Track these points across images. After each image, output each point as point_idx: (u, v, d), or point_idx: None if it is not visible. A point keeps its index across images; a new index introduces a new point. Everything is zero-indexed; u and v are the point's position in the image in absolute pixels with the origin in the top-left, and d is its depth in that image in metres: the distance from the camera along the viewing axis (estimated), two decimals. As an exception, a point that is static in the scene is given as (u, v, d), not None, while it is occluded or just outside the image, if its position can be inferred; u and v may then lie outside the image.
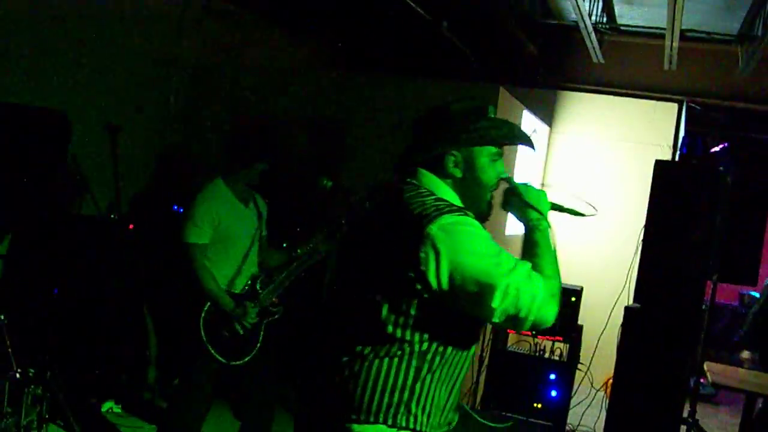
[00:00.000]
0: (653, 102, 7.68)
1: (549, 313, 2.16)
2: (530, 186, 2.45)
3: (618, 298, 5.64)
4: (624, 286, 5.66)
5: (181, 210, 4.56)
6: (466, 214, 2.22)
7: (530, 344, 5.84)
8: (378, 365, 2.21)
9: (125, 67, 5.71)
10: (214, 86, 6.45)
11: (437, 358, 2.22)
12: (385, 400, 2.20)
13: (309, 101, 6.36)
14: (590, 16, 6.71)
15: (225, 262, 4.30)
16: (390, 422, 2.21)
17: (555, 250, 2.33)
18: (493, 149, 2.38)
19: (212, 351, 4.20)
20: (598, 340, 5.82)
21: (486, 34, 7.25)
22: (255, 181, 4.39)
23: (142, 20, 5.79)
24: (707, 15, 7.14)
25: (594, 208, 2.63)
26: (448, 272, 2.11)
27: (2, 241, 4.76)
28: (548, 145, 7.92)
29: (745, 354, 6.26)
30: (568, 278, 6.83)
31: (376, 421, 2.21)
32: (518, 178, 6.75)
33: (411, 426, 2.23)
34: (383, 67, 7.25)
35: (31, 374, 4.23)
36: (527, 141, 2.48)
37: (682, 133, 7.62)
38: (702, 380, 7.85)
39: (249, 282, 4.39)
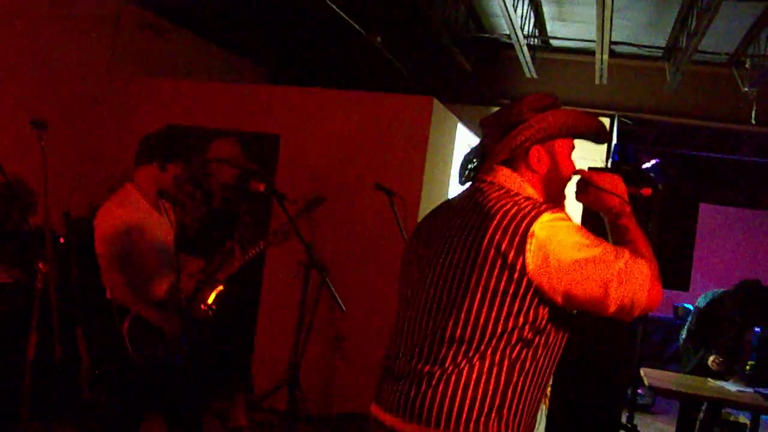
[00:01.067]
0: (585, 117, 7.79)
1: (657, 296, 2.11)
2: (601, 170, 2.37)
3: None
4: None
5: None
6: (558, 210, 2.14)
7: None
8: (468, 371, 2.10)
9: (58, 77, 5.61)
10: (148, 99, 6.36)
11: (526, 359, 2.11)
12: (476, 407, 2.08)
13: (243, 115, 6.32)
14: (523, 31, 6.81)
15: (144, 270, 4.12)
16: (482, 429, 2.08)
17: (644, 234, 2.26)
18: (570, 143, 2.33)
19: (140, 362, 4.07)
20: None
21: (420, 49, 7.32)
22: (168, 187, 4.20)
23: (76, 32, 5.71)
24: (635, 30, 7.32)
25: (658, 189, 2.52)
26: (558, 271, 2.04)
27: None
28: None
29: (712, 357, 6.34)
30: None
31: (468, 429, 2.08)
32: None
33: (501, 430, 2.10)
34: (318, 81, 7.24)
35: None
36: (602, 131, 2.42)
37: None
38: (639, 390, 7.99)
39: (169, 289, 4.26)
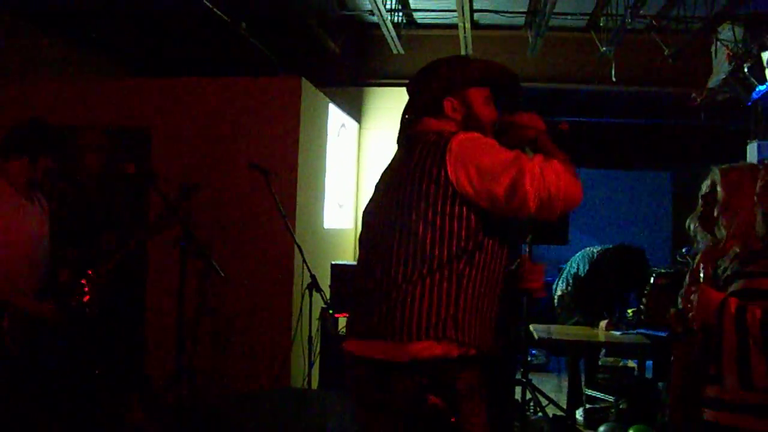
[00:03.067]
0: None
1: (575, 188, 2.35)
2: (521, 113, 2.61)
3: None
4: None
5: None
6: (474, 132, 2.45)
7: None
8: (422, 286, 2.32)
9: None
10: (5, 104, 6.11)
11: (473, 270, 2.36)
12: (434, 316, 2.31)
13: (108, 111, 6.15)
14: (385, 7, 6.88)
15: (21, 264, 3.97)
16: (440, 335, 2.30)
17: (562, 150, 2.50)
18: (485, 92, 2.58)
19: (22, 359, 3.93)
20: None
21: (286, 34, 7.30)
22: (37, 179, 4.05)
23: None
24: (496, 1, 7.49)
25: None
26: (478, 176, 2.31)
27: None
28: (358, 141, 8.04)
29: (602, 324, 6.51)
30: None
31: (426, 337, 2.30)
32: (331, 176, 6.76)
33: (456, 338, 2.31)
34: (183, 71, 7.12)
35: None
36: (512, 77, 2.68)
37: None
38: (533, 351, 8.19)
39: (48, 281, 4.12)
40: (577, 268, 7.00)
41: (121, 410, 5.53)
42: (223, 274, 4.52)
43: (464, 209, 2.35)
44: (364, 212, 2.69)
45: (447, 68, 2.58)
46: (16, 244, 3.94)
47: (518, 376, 5.92)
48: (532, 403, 6.09)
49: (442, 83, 2.55)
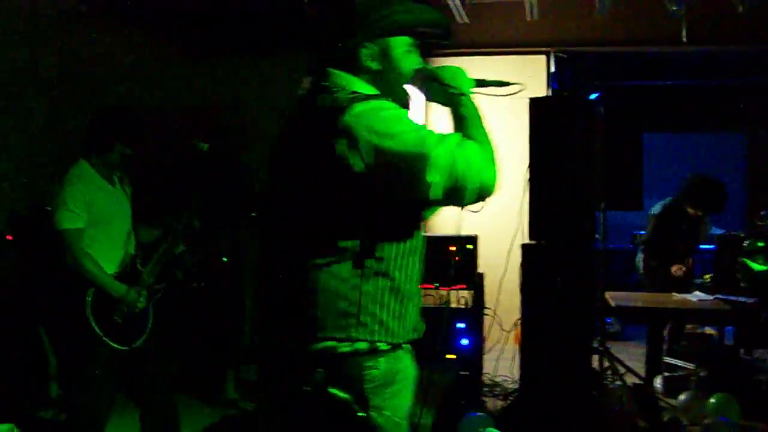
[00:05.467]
0: (522, 56, 7.86)
1: (490, 176, 2.09)
2: (447, 66, 2.34)
3: (513, 240, 5.70)
4: (518, 228, 5.72)
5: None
6: (381, 99, 2.14)
7: (434, 296, 5.84)
8: (317, 278, 2.11)
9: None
10: (76, 90, 6.25)
11: (374, 261, 2.13)
12: (331, 311, 2.11)
13: (176, 90, 6.23)
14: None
15: (106, 245, 4.11)
16: (343, 335, 2.11)
17: (484, 124, 2.24)
18: (408, 39, 2.28)
19: (106, 339, 4.02)
20: (501, 282, 5.85)
21: (350, 4, 7.24)
22: (116, 163, 4.20)
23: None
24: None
25: (520, 85, 2.51)
26: (373, 159, 2.03)
27: None
28: (425, 111, 7.99)
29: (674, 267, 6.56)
30: (463, 229, 6.92)
31: (328, 338, 2.11)
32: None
33: (362, 337, 2.12)
34: (247, 50, 7.11)
35: None
36: (443, 26, 2.38)
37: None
38: (608, 320, 8.10)
39: (129, 263, 4.23)
40: (654, 211, 6.96)
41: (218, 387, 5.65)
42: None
43: (357, 195, 2.07)
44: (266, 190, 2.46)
45: (367, 9, 2.22)
46: (99, 224, 4.07)
47: (595, 345, 5.86)
48: (609, 372, 6.01)
49: (358, 29, 2.20)
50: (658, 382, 6.37)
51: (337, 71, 2.24)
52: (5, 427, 5.16)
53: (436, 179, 2.01)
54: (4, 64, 5.77)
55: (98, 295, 4.01)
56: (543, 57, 7.95)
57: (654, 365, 6.52)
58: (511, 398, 5.89)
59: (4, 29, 5.74)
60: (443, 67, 2.33)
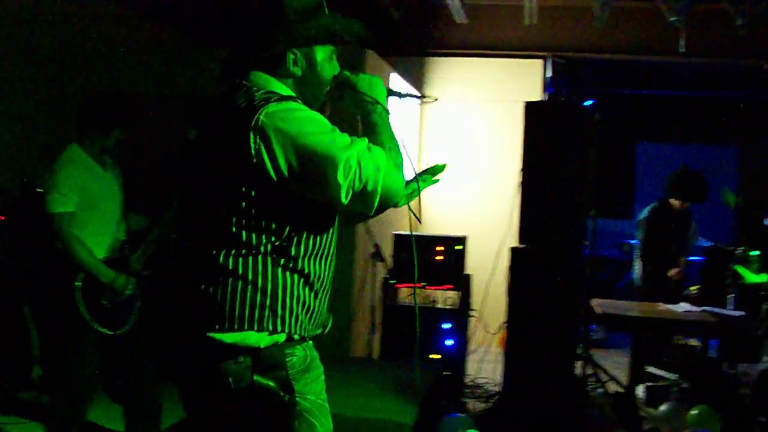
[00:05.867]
0: (518, 60, 7.87)
1: (396, 183, 2.15)
2: (363, 75, 2.38)
3: (503, 243, 5.70)
4: (508, 231, 5.73)
5: None
6: (296, 101, 2.20)
7: (421, 296, 5.85)
8: (233, 270, 2.14)
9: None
10: (75, 74, 6.22)
11: (289, 256, 2.17)
12: (247, 303, 2.13)
13: (175, 79, 6.21)
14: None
15: (97, 229, 4.11)
16: (256, 327, 2.14)
17: (394, 133, 2.28)
18: (331, 48, 2.34)
19: (94, 324, 4.02)
20: (488, 285, 5.85)
21: (347, 1, 7.23)
22: (109, 147, 4.22)
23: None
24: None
25: (433, 97, 2.59)
26: (284, 158, 2.07)
27: None
28: (421, 112, 7.99)
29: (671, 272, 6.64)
30: (452, 229, 6.94)
31: (241, 328, 2.13)
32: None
33: (279, 329, 2.16)
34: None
35: None
36: (364, 35, 2.42)
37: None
38: (592, 327, 8.11)
39: (118, 248, 4.22)
40: (642, 215, 7.01)
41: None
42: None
43: (273, 191, 2.11)
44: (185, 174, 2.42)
45: (294, 17, 2.25)
46: (90, 208, 4.07)
47: (579, 351, 5.86)
48: (592, 379, 6.02)
49: (286, 35, 2.25)
50: (640, 391, 6.38)
51: (258, 72, 2.28)
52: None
53: (344, 181, 2.06)
54: (2, 43, 5.73)
55: (87, 280, 4.00)
56: (540, 61, 7.97)
57: (637, 374, 6.52)
58: (492, 400, 5.89)
59: (4, 8, 5.69)
60: (361, 75, 2.37)
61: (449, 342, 5.76)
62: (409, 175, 2.36)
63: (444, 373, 5.36)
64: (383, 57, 6.48)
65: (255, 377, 2.14)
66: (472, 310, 6.04)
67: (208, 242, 2.18)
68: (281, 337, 2.17)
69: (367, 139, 2.18)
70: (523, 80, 7.88)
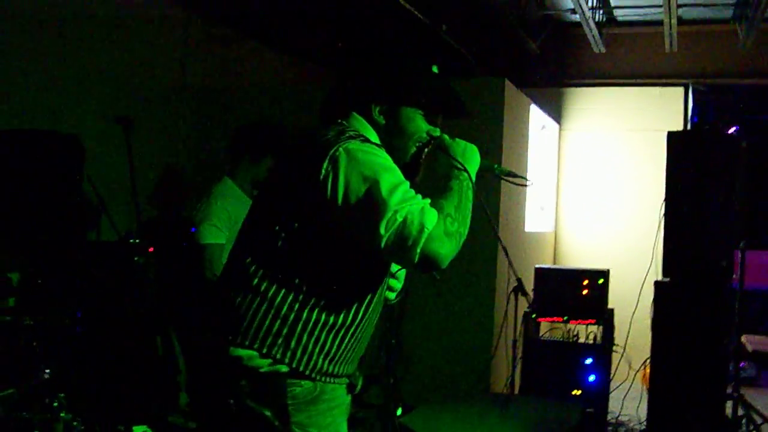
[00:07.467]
0: (659, 88, 7.71)
1: (441, 249, 2.07)
2: (459, 140, 2.37)
3: (646, 277, 5.57)
4: (651, 264, 5.59)
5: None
6: (379, 147, 2.22)
7: (563, 331, 5.76)
8: (264, 291, 2.15)
9: (131, 95, 5.71)
10: (219, 107, 6.47)
11: (320, 297, 2.16)
12: (265, 326, 2.14)
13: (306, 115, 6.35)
14: (588, 4, 6.74)
15: None
16: (265, 351, 2.14)
17: (469, 202, 2.23)
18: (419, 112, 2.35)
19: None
20: (632, 319, 5.72)
21: (486, 35, 7.26)
22: (260, 178, 4.30)
23: (147, 48, 5.83)
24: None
25: (529, 179, 2.55)
26: (344, 184, 2.08)
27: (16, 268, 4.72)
28: (559, 143, 7.92)
29: None
30: (593, 262, 6.82)
31: (251, 346, 2.14)
32: (532, 179, 6.74)
33: (286, 361, 2.14)
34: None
35: (62, 401, 4.13)
36: (461, 113, 2.46)
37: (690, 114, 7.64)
38: (742, 364, 7.75)
39: None
40: None
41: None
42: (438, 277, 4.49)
43: (326, 224, 2.13)
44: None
45: (397, 74, 2.33)
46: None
47: (729, 390, 5.62)
48: (744, 420, 5.75)
49: (381, 88, 2.32)
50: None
51: (358, 116, 2.33)
52: (141, 429, 5.36)
53: (383, 232, 2.04)
54: (155, 79, 6.01)
55: None
56: (681, 89, 7.76)
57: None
58: (636, 440, 5.71)
59: (157, 47, 5.99)
60: (457, 140, 2.37)
61: (591, 378, 5.63)
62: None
63: (587, 410, 5.24)
64: (521, 89, 6.47)
65: (248, 402, 2.15)
66: (615, 345, 5.88)
67: (251, 256, 2.21)
68: (283, 369, 2.15)
69: (429, 200, 2.14)
70: (664, 108, 7.69)
